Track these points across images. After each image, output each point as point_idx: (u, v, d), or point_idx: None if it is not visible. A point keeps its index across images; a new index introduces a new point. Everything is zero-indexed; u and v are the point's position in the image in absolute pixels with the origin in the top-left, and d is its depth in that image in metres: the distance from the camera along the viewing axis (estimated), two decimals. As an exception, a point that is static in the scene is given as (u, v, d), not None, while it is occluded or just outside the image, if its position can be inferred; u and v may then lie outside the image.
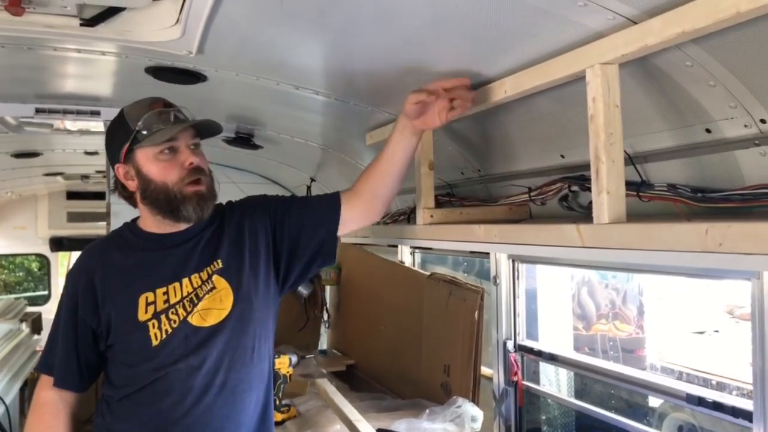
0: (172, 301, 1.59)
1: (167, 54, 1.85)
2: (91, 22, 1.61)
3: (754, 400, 1.48)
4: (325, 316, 3.99)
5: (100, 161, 4.29)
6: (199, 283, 1.62)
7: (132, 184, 1.62)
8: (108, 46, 1.86)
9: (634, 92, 1.40)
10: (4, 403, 3.52)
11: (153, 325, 1.56)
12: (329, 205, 1.77)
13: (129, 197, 1.66)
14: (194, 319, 1.58)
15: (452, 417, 2.24)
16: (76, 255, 8.77)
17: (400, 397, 2.80)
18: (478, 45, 1.53)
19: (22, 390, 4.26)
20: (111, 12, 1.61)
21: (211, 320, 1.59)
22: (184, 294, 1.60)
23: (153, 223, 1.66)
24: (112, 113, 2.68)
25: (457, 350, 2.48)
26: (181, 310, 1.58)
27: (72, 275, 1.68)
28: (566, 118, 1.65)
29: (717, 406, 1.61)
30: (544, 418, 2.74)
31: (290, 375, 2.60)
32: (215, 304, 1.60)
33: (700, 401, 1.65)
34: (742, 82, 1.20)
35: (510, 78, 1.54)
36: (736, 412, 1.57)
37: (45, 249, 6.76)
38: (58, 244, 6.75)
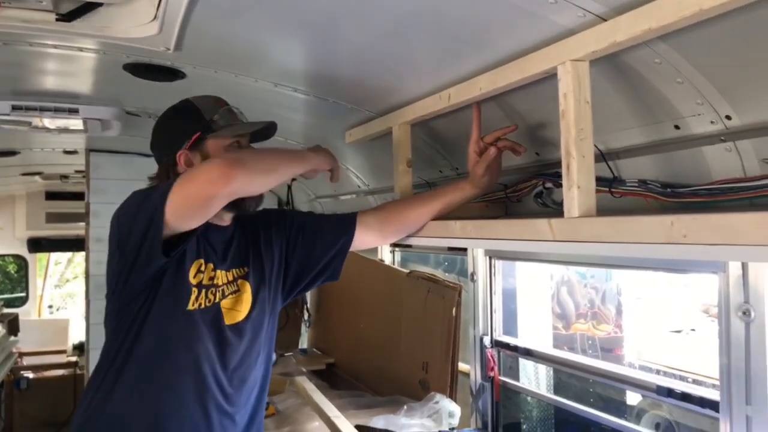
0: (215, 282, 1.65)
1: (145, 50, 1.84)
2: (67, 17, 1.61)
3: (720, 390, 1.52)
4: (306, 315, 4.00)
5: (80, 161, 4.25)
6: (226, 281, 1.68)
7: None
8: (85, 42, 1.86)
9: (606, 90, 1.43)
10: (-20, 403, 3.49)
11: (194, 292, 1.61)
12: (344, 227, 1.83)
13: None
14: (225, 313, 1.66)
15: (430, 413, 2.27)
16: (55, 256, 8.72)
17: (379, 395, 2.82)
18: (453, 41, 1.55)
19: (-2, 390, 4.22)
20: (88, 7, 1.60)
21: (229, 320, 1.66)
22: (220, 283, 1.67)
23: None
24: (90, 111, 2.70)
25: (436, 347, 2.50)
26: (219, 295, 1.65)
27: None
28: (540, 115, 1.67)
29: (685, 397, 1.65)
30: (521, 412, 2.77)
31: (269, 373, 2.61)
32: (236, 306, 1.68)
33: (670, 392, 1.69)
34: (708, 79, 1.23)
35: (484, 75, 1.56)
36: (703, 402, 1.61)
37: (23, 250, 6.70)
38: (37, 245, 6.69)
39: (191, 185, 1.45)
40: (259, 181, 1.55)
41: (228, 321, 1.65)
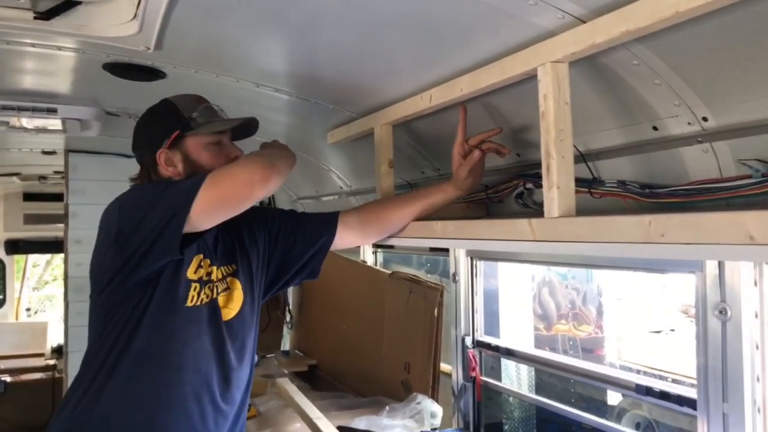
0: (212, 278, 1.65)
1: (125, 50, 1.83)
2: (45, 15, 1.59)
3: (697, 389, 1.54)
4: (288, 317, 3.99)
5: (59, 161, 4.20)
6: (219, 278, 1.68)
7: (172, 170, 1.65)
8: (64, 41, 1.84)
9: (586, 91, 1.44)
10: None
11: (195, 287, 1.59)
12: (325, 226, 1.83)
13: None
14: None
15: (412, 413, 2.27)
16: (33, 258, 8.63)
17: (361, 396, 2.82)
18: (434, 42, 1.56)
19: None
20: (66, 5, 1.58)
21: (224, 317, 1.66)
22: (215, 279, 1.66)
23: None
24: (69, 111, 2.67)
25: (418, 348, 2.50)
26: (215, 291, 1.65)
27: None
28: (521, 116, 1.69)
29: (663, 395, 1.67)
30: (502, 412, 2.78)
31: (251, 374, 2.60)
32: (228, 303, 1.68)
33: (648, 391, 1.71)
34: (685, 80, 1.24)
35: (466, 76, 1.57)
36: (681, 400, 1.63)
37: (0, 252, 6.60)
38: (14, 246, 6.58)
39: (227, 185, 1.45)
40: (282, 180, 1.57)
41: (224, 317, 1.66)
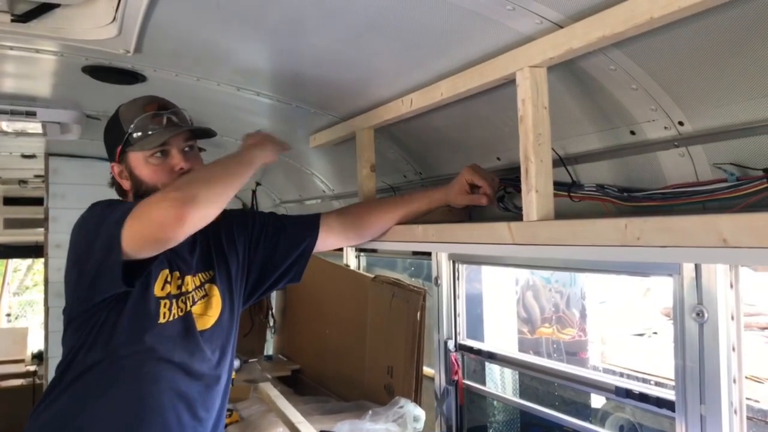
0: (184, 290, 1.61)
1: (104, 53, 1.82)
2: (23, 18, 1.57)
3: (676, 391, 1.55)
4: (271, 322, 3.97)
5: (39, 165, 4.15)
6: (194, 286, 1.64)
7: (126, 183, 1.63)
8: (43, 43, 1.82)
9: (564, 96, 1.46)
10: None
11: (165, 304, 1.56)
12: (307, 229, 1.81)
13: (125, 195, 1.66)
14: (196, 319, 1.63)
15: (395, 417, 2.27)
16: (14, 263, 8.54)
17: (344, 400, 2.81)
18: (415, 47, 1.56)
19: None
20: (44, 8, 1.57)
21: (200, 326, 1.63)
22: (190, 289, 1.63)
23: None
24: (48, 114, 2.65)
25: (400, 351, 2.50)
26: (189, 302, 1.61)
27: None
28: (501, 120, 1.69)
29: (643, 398, 1.68)
30: (486, 416, 2.79)
31: (233, 379, 2.58)
32: (207, 311, 1.65)
33: (628, 393, 1.72)
34: (661, 85, 1.26)
35: (446, 81, 1.58)
36: (660, 402, 1.64)
37: (-20, 257, 6.52)
38: (-6, 251, 6.52)
39: (144, 225, 1.33)
40: (216, 206, 1.40)
41: (200, 327, 1.62)
